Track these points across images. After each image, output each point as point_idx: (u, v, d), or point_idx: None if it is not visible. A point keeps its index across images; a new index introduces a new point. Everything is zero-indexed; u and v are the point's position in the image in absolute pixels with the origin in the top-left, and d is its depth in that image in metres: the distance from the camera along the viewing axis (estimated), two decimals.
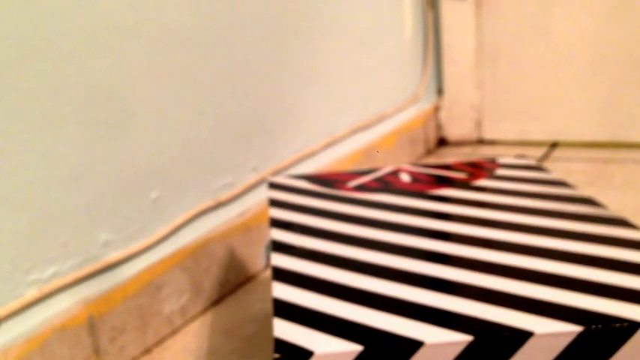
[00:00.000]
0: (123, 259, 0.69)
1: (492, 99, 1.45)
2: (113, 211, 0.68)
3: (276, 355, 0.37)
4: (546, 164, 1.27)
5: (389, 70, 1.27)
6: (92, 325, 0.65)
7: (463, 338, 0.38)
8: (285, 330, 0.40)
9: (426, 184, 0.66)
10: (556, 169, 1.22)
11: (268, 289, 0.85)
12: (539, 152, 1.36)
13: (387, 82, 1.26)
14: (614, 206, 1.01)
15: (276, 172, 0.94)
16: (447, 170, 0.70)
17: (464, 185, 0.65)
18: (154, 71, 0.71)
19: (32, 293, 0.60)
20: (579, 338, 0.38)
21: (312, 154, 1.03)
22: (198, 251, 0.79)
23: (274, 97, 0.92)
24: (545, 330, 0.38)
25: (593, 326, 0.38)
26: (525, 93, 1.41)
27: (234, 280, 0.85)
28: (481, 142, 1.49)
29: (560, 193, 0.61)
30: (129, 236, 0.70)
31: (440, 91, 1.49)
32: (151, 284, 0.72)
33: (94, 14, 0.64)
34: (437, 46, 1.46)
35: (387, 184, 0.67)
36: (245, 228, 0.87)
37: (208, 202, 0.81)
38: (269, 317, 0.77)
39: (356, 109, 1.15)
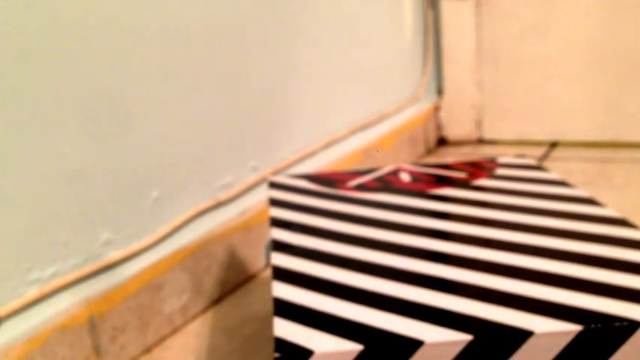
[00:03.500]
0: (123, 259, 0.69)
1: (492, 99, 1.45)
2: (114, 210, 0.68)
3: (277, 355, 0.37)
4: (546, 164, 1.27)
5: (389, 69, 1.27)
6: (93, 324, 0.65)
7: (463, 337, 0.38)
8: (286, 329, 0.40)
9: (426, 183, 0.66)
10: (556, 169, 1.22)
11: (268, 288, 0.85)
12: (538, 152, 1.36)
13: (387, 82, 1.26)
14: (613, 206, 1.01)
15: (277, 172, 0.94)
16: (446, 170, 0.70)
17: (464, 185, 0.65)
18: (154, 71, 0.72)
19: (33, 292, 0.60)
20: (579, 337, 0.38)
21: (312, 154, 1.03)
22: (198, 251, 0.79)
23: (274, 96, 0.92)
24: (545, 329, 0.38)
25: (593, 325, 0.38)
26: (525, 92, 1.41)
27: (234, 280, 0.85)
28: (481, 141, 1.49)
29: (560, 192, 0.61)
30: (129, 235, 0.70)
31: (440, 91, 1.49)
32: (152, 284, 0.72)
33: (95, 14, 0.64)
34: (437, 45, 1.46)
35: (388, 183, 0.67)
36: (245, 227, 0.87)
37: (208, 202, 0.81)
38: (269, 316, 0.77)
39: (356, 108, 1.15)
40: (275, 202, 0.64)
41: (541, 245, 0.49)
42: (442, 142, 1.51)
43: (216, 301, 0.82)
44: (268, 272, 0.90)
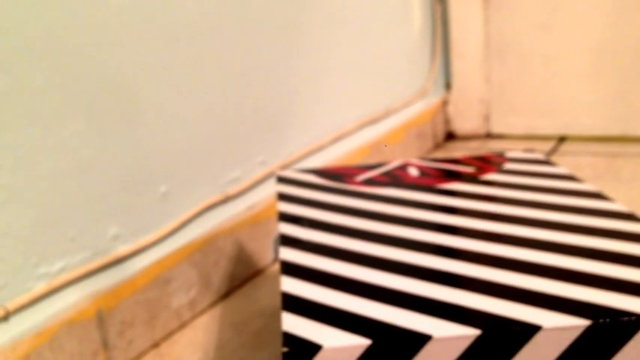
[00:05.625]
0: (132, 253, 0.70)
1: (500, 93, 1.44)
2: (122, 205, 0.68)
3: (285, 349, 0.38)
4: (554, 158, 1.26)
5: (397, 64, 1.27)
6: (101, 318, 0.65)
7: (471, 332, 0.38)
8: (294, 324, 0.40)
9: (435, 178, 0.66)
10: (564, 163, 1.22)
11: (277, 283, 0.85)
12: (547, 146, 1.35)
13: (395, 77, 1.26)
14: (622, 200, 1.00)
15: (285, 166, 0.94)
16: (455, 164, 0.70)
17: (472, 179, 0.65)
18: (162, 65, 0.72)
19: (41, 287, 0.60)
20: (587, 332, 0.38)
21: (320, 148, 1.03)
22: (206, 245, 0.79)
23: (282, 91, 0.92)
24: (553, 324, 0.38)
25: (601, 320, 0.38)
26: (533, 87, 1.40)
27: (242, 274, 0.85)
28: (489, 136, 1.49)
29: (568, 187, 0.61)
30: (138, 230, 0.70)
31: (448, 85, 1.49)
32: (160, 278, 0.72)
33: (103, 8, 0.64)
34: (445, 40, 1.46)
35: (396, 178, 0.67)
36: (253, 222, 0.87)
37: (217, 196, 0.81)
38: (277, 311, 0.77)
39: (364, 103, 1.15)
40: (283, 197, 0.64)
41: (549, 240, 0.49)
42: (450, 136, 1.51)
43: (225, 295, 0.83)
44: (276, 267, 0.90)
